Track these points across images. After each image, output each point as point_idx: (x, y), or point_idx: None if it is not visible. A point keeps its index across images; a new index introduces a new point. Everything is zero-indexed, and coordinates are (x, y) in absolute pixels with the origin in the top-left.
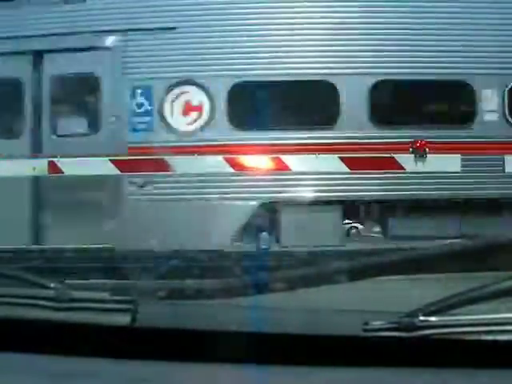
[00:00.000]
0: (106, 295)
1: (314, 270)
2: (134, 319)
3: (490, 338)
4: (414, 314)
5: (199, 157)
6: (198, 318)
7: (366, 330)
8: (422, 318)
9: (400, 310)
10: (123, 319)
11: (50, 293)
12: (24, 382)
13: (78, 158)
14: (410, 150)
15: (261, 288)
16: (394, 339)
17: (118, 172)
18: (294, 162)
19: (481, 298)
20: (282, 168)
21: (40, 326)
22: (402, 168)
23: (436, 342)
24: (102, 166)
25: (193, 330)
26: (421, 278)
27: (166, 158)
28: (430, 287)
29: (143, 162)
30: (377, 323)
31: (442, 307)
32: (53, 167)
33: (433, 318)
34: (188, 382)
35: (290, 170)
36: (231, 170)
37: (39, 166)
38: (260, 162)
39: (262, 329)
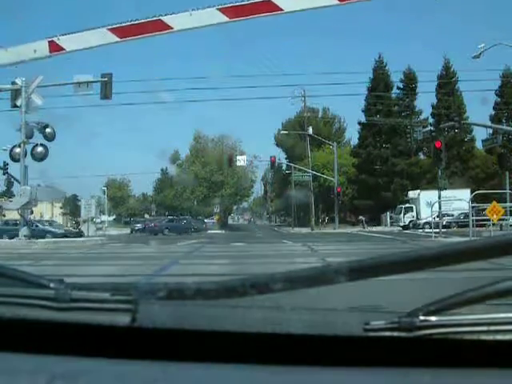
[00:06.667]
0: (106, 295)
1: (314, 269)
2: (134, 319)
3: (490, 338)
4: (414, 313)
5: None
6: (198, 318)
7: (366, 330)
8: (422, 317)
9: (400, 310)
10: (123, 319)
11: (50, 293)
12: (24, 382)
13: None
14: None
15: (261, 288)
16: (394, 339)
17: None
18: None
19: (481, 297)
20: None
21: (40, 326)
22: None
23: (436, 341)
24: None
25: (193, 330)
26: (421, 278)
27: None
28: (430, 287)
29: None
30: (377, 323)
31: (441, 307)
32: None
33: (433, 318)
34: (188, 382)
35: None
36: None
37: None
38: None
39: (262, 329)
